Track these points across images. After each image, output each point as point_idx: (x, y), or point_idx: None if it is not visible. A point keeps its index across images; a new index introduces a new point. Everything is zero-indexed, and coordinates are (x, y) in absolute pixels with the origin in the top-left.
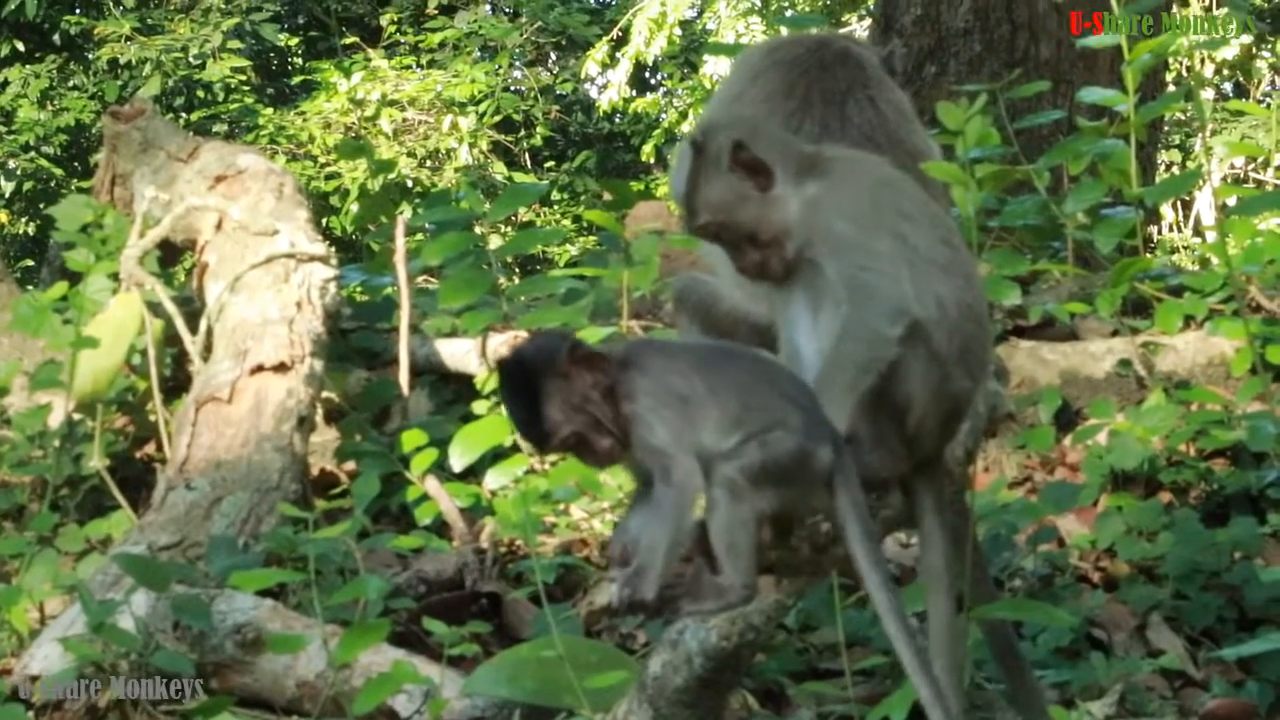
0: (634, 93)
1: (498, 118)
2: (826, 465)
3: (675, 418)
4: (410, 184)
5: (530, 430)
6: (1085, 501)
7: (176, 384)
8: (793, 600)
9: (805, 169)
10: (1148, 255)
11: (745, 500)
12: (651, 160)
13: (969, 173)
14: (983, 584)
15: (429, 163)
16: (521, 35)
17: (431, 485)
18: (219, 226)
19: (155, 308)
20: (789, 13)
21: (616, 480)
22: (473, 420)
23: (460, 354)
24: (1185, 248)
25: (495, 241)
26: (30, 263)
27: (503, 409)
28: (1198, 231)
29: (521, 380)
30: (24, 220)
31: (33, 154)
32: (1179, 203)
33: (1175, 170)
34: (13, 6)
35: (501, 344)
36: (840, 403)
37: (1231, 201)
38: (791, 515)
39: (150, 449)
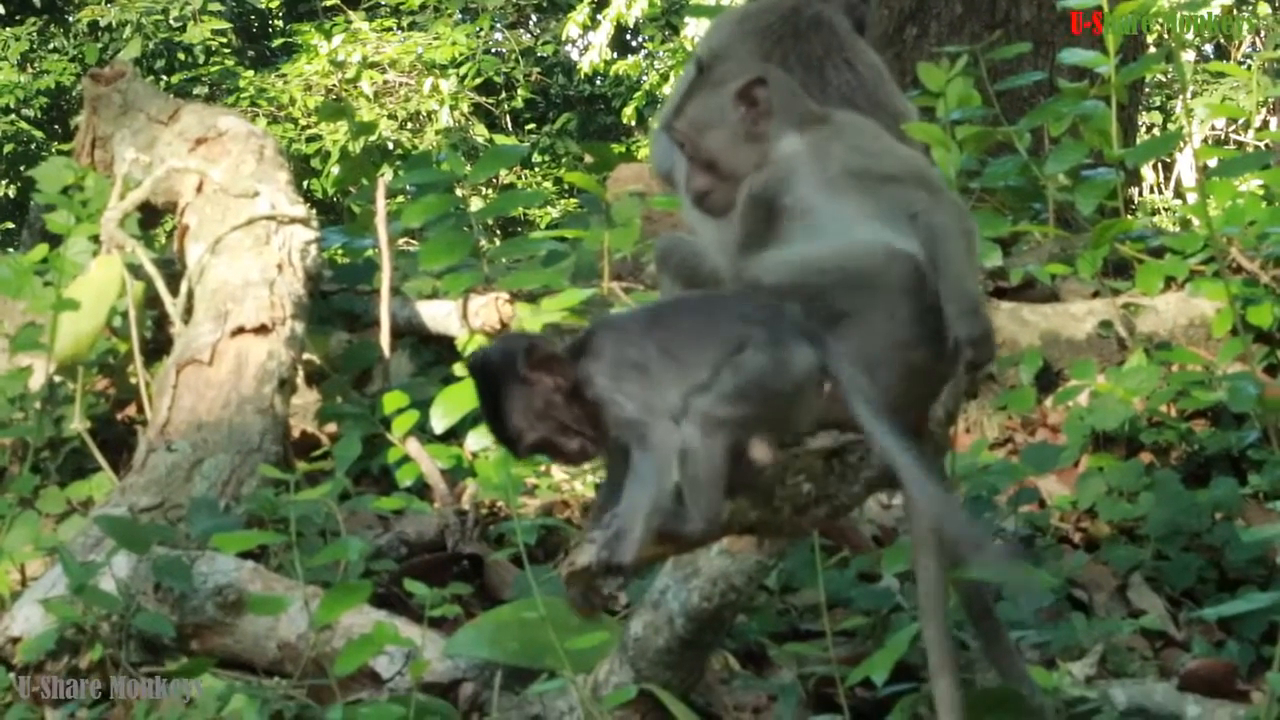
0: (615, 55)
1: (478, 80)
2: (810, 363)
3: (639, 389)
4: (391, 146)
5: (500, 436)
6: (1066, 463)
7: (157, 346)
8: (774, 561)
9: (806, 121)
10: (1129, 217)
11: (715, 434)
12: (633, 123)
13: (950, 134)
14: None
15: (410, 125)
16: None
17: (413, 447)
18: (199, 189)
19: (136, 270)
20: None
21: None
22: (454, 382)
23: (441, 316)
24: (1166, 209)
25: (476, 204)
26: (10, 225)
27: None
28: (1179, 193)
29: (487, 387)
30: (4, 183)
31: (13, 117)
32: (1160, 164)
33: (1156, 132)
34: None
35: (482, 306)
36: (971, 267)
37: (1212, 163)
38: (790, 422)
39: (131, 411)
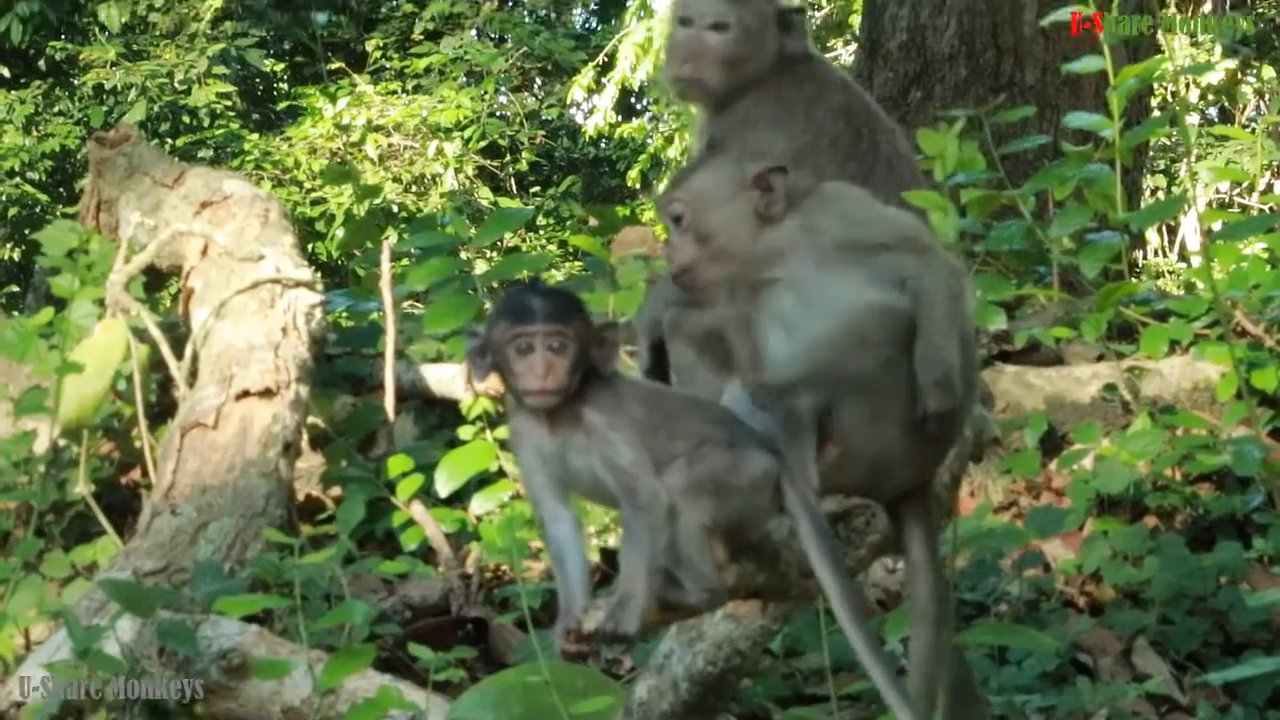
0: (620, 118)
1: (483, 143)
2: (764, 468)
3: (636, 440)
4: (395, 209)
5: (515, 317)
6: (1071, 526)
7: (162, 410)
8: (778, 625)
9: (800, 197)
10: (1133, 280)
11: (682, 514)
12: (637, 186)
13: (951, 197)
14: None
15: (414, 188)
16: (507, 61)
17: (417, 510)
18: (204, 252)
19: (141, 333)
20: None
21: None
22: (458, 445)
23: (446, 379)
24: (1170, 273)
25: (481, 266)
26: (15, 289)
27: (489, 434)
28: (1183, 256)
29: (564, 293)
30: (9, 246)
31: (18, 180)
32: (1164, 228)
33: (1160, 195)
34: None
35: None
36: (950, 337)
37: (1216, 226)
38: (743, 524)
39: (136, 475)
